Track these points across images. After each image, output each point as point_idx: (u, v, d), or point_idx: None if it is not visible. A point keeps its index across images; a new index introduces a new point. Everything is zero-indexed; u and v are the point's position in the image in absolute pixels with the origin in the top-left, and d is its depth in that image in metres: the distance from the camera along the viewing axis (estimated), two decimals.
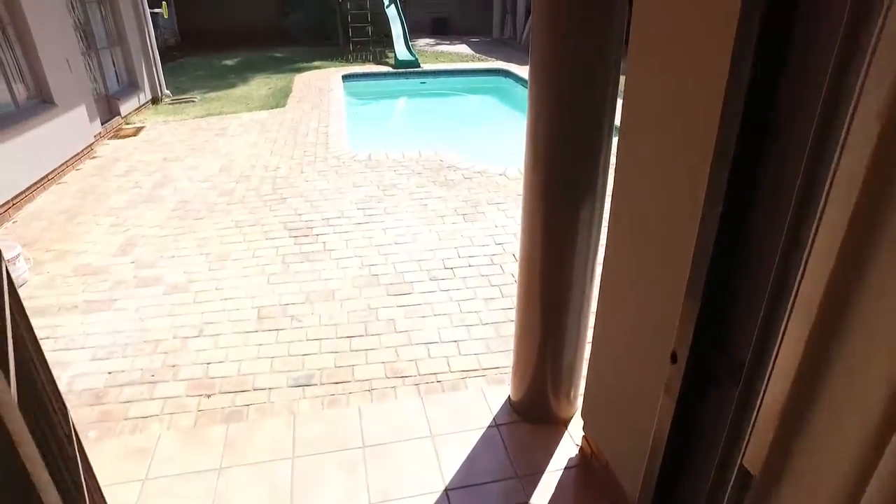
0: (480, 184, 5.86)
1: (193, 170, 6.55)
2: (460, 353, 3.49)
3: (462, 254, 4.56)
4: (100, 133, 7.93)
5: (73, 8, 8.00)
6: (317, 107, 9.42)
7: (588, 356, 2.61)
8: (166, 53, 15.85)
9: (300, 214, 5.21)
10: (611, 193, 2.11)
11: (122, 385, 3.24)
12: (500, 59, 14.94)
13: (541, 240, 2.54)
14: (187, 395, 3.16)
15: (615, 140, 2.11)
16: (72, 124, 6.95)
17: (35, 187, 6.04)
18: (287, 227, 4.98)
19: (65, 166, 6.70)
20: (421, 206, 5.36)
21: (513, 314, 3.85)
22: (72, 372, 3.34)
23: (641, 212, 1.90)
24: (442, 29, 20.94)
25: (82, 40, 8.16)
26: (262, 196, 5.66)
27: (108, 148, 7.68)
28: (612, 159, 2.19)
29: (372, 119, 10.56)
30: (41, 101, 6.58)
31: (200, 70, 13.77)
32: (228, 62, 14.87)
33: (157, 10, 12.46)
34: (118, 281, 4.27)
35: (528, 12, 17.87)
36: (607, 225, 2.17)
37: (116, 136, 8.26)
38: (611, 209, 2.12)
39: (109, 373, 3.34)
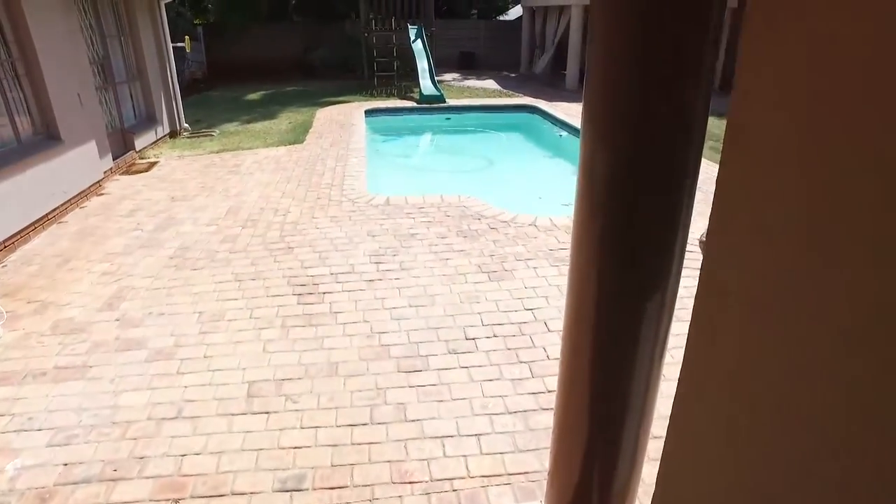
0: (508, 235, 5.32)
1: (200, 211, 6.14)
2: (481, 452, 2.90)
3: (486, 320, 3.99)
4: (111, 168, 7.64)
5: (92, 43, 7.81)
6: (336, 143, 9.05)
7: (651, 477, 1.99)
8: (192, 86, 15.88)
9: (307, 268, 4.71)
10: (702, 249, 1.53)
11: (75, 483, 2.71)
12: (528, 95, 14.59)
13: (593, 310, 1.95)
14: (151, 501, 2.62)
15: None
16: (79, 161, 6.63)
17: (33, 227, 5.68)
18: (291, 283, 4.48)
19: (68, 204, 6.35)
20: (441, 260, 4.82)
21: (545, 400, 3.25)
22: (20, 462, 2.82)
23: (773, 283, 1.31)
24: (469, 63, 20.80)
25: (99, 74, 7.94)
26: (268, 244, 5.19)
27: (117, 184, 7.36)
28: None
29: (393, 156, 10.15)
30: (47, 137, 6.28)
31: (224, 103, 13.65)
32: (252, 96, 14.77)
33: (179, 45, 12.39)
34: (98, 342, 3.79)
35: (557, 47, 17.56)
36: (696, 295, 1.58)
37: (128, 172, 7.96)
38: (703, 274, 1.53)
39: (65, 465, 2.82)
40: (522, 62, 20.10)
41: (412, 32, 15.07)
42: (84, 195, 6.72)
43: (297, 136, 9.72)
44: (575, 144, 10.56)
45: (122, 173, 7.90)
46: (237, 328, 3.93)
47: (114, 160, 7.80)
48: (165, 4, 12.48)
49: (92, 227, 5.88)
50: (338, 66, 17.86)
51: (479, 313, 4.08)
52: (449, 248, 5.05)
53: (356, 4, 16.36)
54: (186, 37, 12.51)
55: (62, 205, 6.23)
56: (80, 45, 7.14)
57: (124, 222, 5.95)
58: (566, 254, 4.96)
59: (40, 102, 6.17)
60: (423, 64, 14.19)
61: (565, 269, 4.68)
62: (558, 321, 3.95)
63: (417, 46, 14.72)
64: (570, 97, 14.39)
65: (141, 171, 7.99)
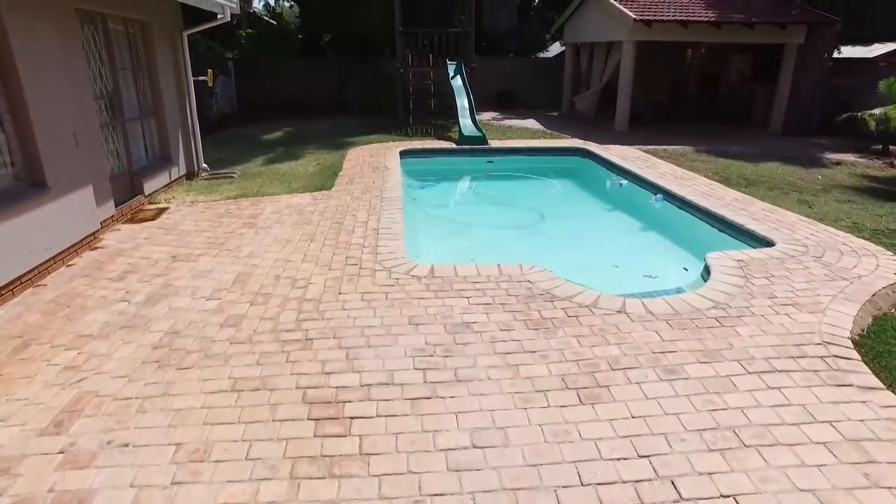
0: (594, 328, 4.04)
1: (202, 277, 5.01)
2: None
3: (586, 475, 2.70)
4: (112, 216, 6.63)
5: (99, 76, 6.91)
6: (368, 190, 7.95)
7: None
8: (220, 122, 15.15)
9: (329, 374, 3.49)
10: None
11: None
12: (575, 136, 13.46)
13: None
14: None
15: None
16: (68, 211, 5.60)
17: (2, 292, 4.61)
18: (307, 398, 3.26)
19: (52, 262, 5.30)
20: (510, 367, 3.56)
21: None
22: None
23: None
24: (507, 102, 19.89)
25: (106, 110, 7.02)
26: (281, 332, 4.00)
27: (116, 235, 6.32)
28: None
29: (432, 207, 8.99)
30: (30, 185, 5.28)
31: (250, 141, 12.79)
32: (280, 133, 13.93)
33: (201, 78, 11.62)
34: (19, 500, 2.60)
35: (605, 86, 16.46)
36: None
37: (132, 220, 6.95)
38: None
39: None
40: (564, 101, 19.09)
41: (451, 69, 14.17)
42: (74, 249, 5.67)
43: (325, 180, 8.66)
44: (640, 196, 9.38)
45: (126, 221, 6.88)
46: (225, 476, 2.71)
47: (117, 206, 6.80)
48: (196, 39, 11.85)
49: (72, 293, 4.78)
50: (371, 103, 17.04)
51: (573, 462, 2.79)
52: (518, 346, 3.79)
53: (392, 40, 15.62)
54: (210, 70, 11.73)
55: (44, 263, 5.18)
56: (82, 77, 6.21)
57: (111, 288, 4.84)
58: (677, 359, 3.66)
59: (23, 142, 5.18)
60: (462, 102, 13.20)
61: (682, 386, 3.37)
62: (690, 481, 2.65)
63: (457, 83, 13.78)
64: (621, 139, 13.22)
65: (147, 219, 6.97)
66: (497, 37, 20.34)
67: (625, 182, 9.74)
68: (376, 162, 9.95)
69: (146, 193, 7.66)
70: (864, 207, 8.09)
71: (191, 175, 9.21)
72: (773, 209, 7.39)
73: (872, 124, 12.51)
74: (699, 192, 8.24)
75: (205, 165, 9.55)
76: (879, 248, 5.97)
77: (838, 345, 3.91)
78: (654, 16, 13.65)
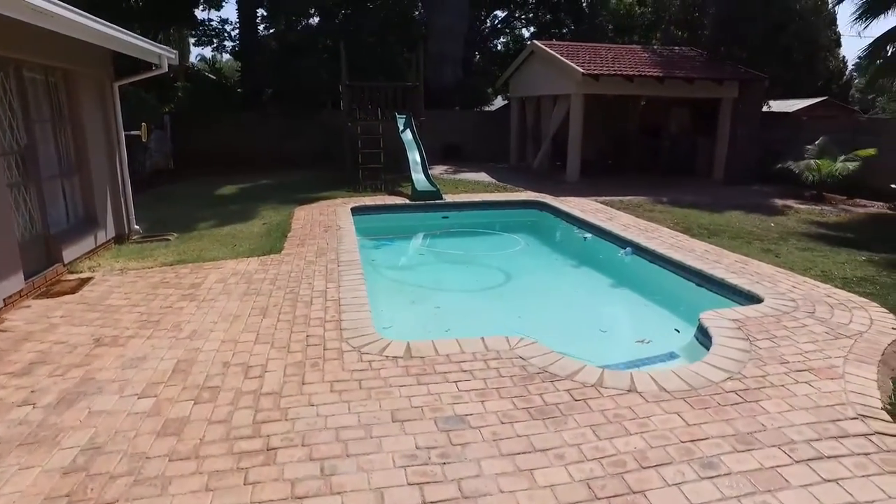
0: (605, 412, 3.49)
1: (133, 367, 4.16)
2: None
3: None
4: (20, 291, 5.64)
5: (11, 128, 6.05)
6: (322, 253, 7.26)
7: None
8: (155, 179, 14.15)
9: (301, 499, 2.74)
10: None
11: None
12: (529, 189, 13.28)
13: None
14: None
15: None
16: None
17: None
18: None
19: None
20: (523, 473, 2.93)
21: None
22: None
23: None
24: (455, 155, 19.76)
25: (16, 167, 6.12)
26: (235, 441, 3.22)
27: (25, 314, 5.34)
28: None
29: (390, 269, 8.35)
30: None
31: (188, 199, 11.88)
32: (222, 190, 13.09)
33: (134, 133, 10.76)
34: None
35: (553, 137, 16.56)
36: None
37: (48, 293, 5.97)
38: None
39: None
40: (512, 154, 19.15)
41: (400, 122, 13.86)
42: None
43: (274, 242, 7.92)
44: (607, 250, 9.09)
45: (39, 295, 5.90)
46: None
47: (27, 279, 5.82)
48: (128, 91, 11.01)
49: None
50: (319, 157, 16.48)
51: None
52: (527, 443, 3.17)
53: (336, 93, 15.26)
54: (144, 124, 10.89)
55: None
56: None
57: (11, 387, 3.91)
58: (711, 449, 3.14)
59: None
60: (414, 156, 12.84)
61: (726, 484, 2.84)
62: None
63: (407, 137, 13.44)
64: (574, 191, 13.13)
65: (65, 293, 6.00)
66: (442, 91, 20.40)
67: (589, 235, 9.47)
68: (328, 220, 9.30)
69: (65, 261, 6.68)
70: (825, 255, 8.08)
71: (120, 238, 8.26)
72: (746, 260, 7.21)
73: (808, 174, 12.98)
74: (667, 244, 8.02)
75: (137, 227, 8.62)
76: (863, 299, 5.81)
77: (876, 418, 3.53)
78: (601, 70, 13.91)
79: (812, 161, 12.97)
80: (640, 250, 8.07)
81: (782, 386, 3.88)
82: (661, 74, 14.28)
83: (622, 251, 8.37)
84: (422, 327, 5.79)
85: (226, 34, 22.54)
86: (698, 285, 6.69)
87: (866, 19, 12.02)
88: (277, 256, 7.15)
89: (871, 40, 12.25)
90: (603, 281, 7.87)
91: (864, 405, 3.69)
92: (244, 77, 19.83)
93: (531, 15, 25.55)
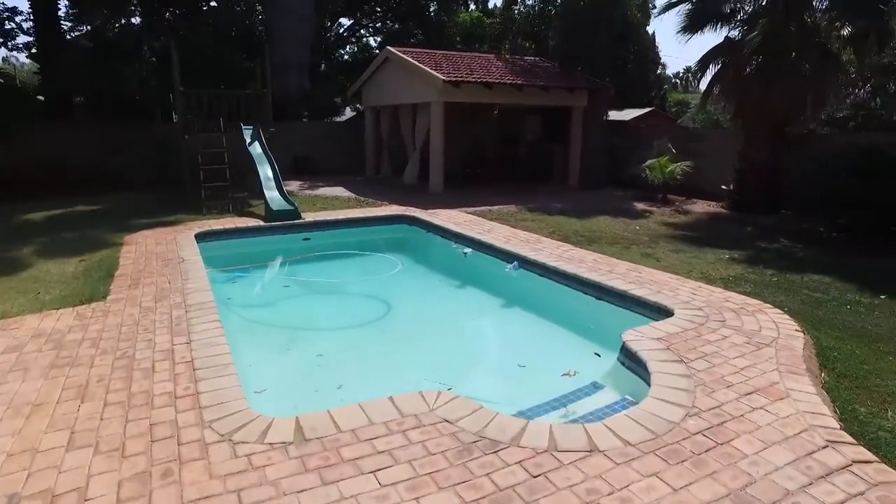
0: (573, 487, 2.74)
1: None
2: None
3: None
4: None
5: None
6: (165, 295, 5.76)
7: None
8: None
9: None
10: None
11: None
12: (394, 203, 12.46)
13: None
14: None
15: None
16: None
17: None
18: None
19: None
20: None
21: None
22: None
23: None
24: (307, 169, 18.31)
25: None
26: None
27: None
28: None
29: (257, 308, 6.98)
30: None
31: None
32: (24, 217, 10.55)
33: None
34: None
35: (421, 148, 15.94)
36: None
37: None
38: None
39: None
40: (368, 166, 18.22)
41: (247, 134, 12.30)
42: None
43: (96, 285, 6.18)
44: (491, 265, 8.51)
45: None
46: None
47: None
48: None
49: None
50: (152, 176, 14.14)
51: None
52: None
53: (167, 102, 13.26)
54: None
55: None
56: None
57: None
58: None
59: None
60: (266, 172, 11.39)
61: None
62: None
63: (256, 150, 11.94)
64: (441, 202, 12.57)
65: None
66: (289, 100, 18.89)
67: (469, 250, 8.87)
68: (167, 252, 7.64)
69: None
70: (695, 256, 8.29)
71: None
72: (637, 268, 7.04)
73: (652, 176, 13.76)
74: (555, 255, 7.66)
75: None
76: (755, 301, 5.82)
77: (842, 442, 3.24)
78: (461, 77, 13.58)
79: (656, 161, 13.78)
80: (528, 264, 7.61)
81: (742, 416, 3.44)
82: (522, 82, 14.35)
83: (509, 266, 7.86)
84: (306, 386, 4.65)
85: (15, 27, 18.75)
86: (598, 298, 6.33)
87: (690, 33, 12.98)
88: (101, 305, 5.50)
89: (680, 57, 13.23)
90: (496, 302, 7.26)
91: (825, 427, 3.38)
92: (45, 81, 16.62)
93: (378, 24, 24.90)
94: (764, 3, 12.09)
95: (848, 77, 13.36)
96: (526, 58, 17.92)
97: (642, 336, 4.64)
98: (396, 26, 23.70)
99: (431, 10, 22.77)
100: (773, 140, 12.04)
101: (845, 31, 11.74)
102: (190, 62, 14.70)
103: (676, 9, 12.90)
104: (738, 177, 12.80)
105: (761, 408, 3.55)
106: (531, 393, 4.35)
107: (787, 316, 5.35)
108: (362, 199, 13.20)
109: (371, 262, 9.10)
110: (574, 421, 3.89)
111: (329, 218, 10.61)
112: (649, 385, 3.97)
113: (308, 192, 14.51)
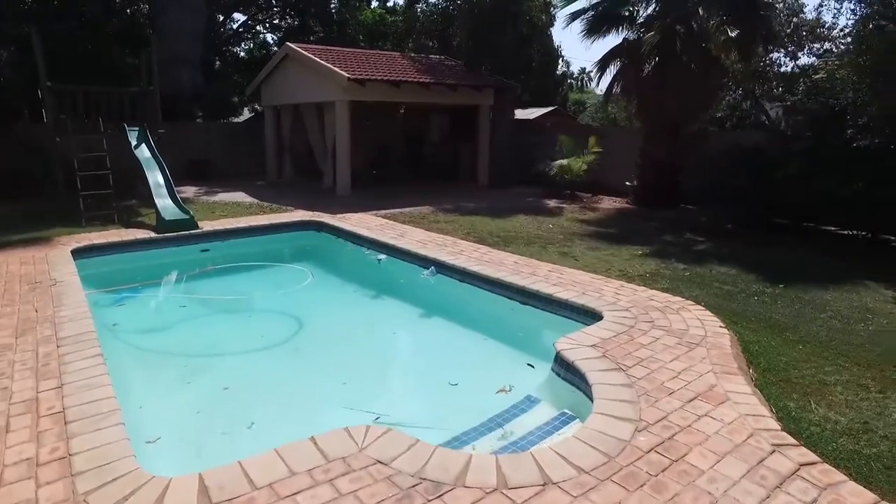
0: None
1: None
2: None
3: None
4: None
5: None
6: (30, 328, 4.86)
7: None
8: None
9: None
10: None
11: None
12: (299, 207, 11.76)
13: None
14: None
15: None
16: None
17: None
18: None
19: None
20: None
21: None
22: None
23: None
24: (202, 173, 17.02)
25: None
26: None
27: None
28: None
29: (149, 335, 6.11)
30: None
31: None
32: None
33: None
34: None
35: (323, 150, 15.23)
36: None
37: None
38: None
39: None
40: (269, 169, 17.21)
41: (132, 136, 11.10)
42: None
43: None
44: (407, 271, 8.07)
45: None
46: None
47: None
48: None
49: None
50: (17, 184, 12.40)
51: None
52: None
53: (34, 98, 11.73)
54: None
55: None
56: None
57: None
58: None
59: None
60: (156, 177, 10.30)
61: None
62: None
63: (144, 154, 10.79)
64: (349, 206, 12.01)
65: None
66: (180, 99, 17.45)
67: (383, 257, 8.44)
68: (35, 273, 6.58)
69: None
70: (611, 253, 8.38)
71: None
72: (559, 269, 6.94)
73: (560, 173, 13.98)
74: (474, 259, 7.42)
75: None
76: (676, 298, 5.87)
77: (786, 444, 3.20)
78: (366, 75, 13.07)
79: (564, 158, 14.01)
80: (447, 269, 7.30)
81: (690, 427, 3.30)
82: (430, 81, 14.05)
83: (426, 272, 7.52)
84: (211, 427, 4.01)
85: None
86: (523, 303, 6.14)
87: (592, 36, 13.30)
88: None
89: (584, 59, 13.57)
90: (417, 312, 6.88)
91: (768, 430, 3.32)
92: None
93: (276, 20, 23.67)
94: (658, 8, 12.58)
95: (734, 78, 14.28)
96: (431, 56, 17.68)
97: (576, 343, 4.45)
98: (295, 23, 22.64)
99: (332, 5, 21.96)
100: (670, 138, 12.55)
101: (731, 34, 12.46)
102: (62, 55, 13.10)
103: (581, 17, 13.15)
104: (640, 173, 13.27)
105: (706, 415, 3.44)
106: (465, 413, 4.02)
107: (708, 312, 5.40)
108: (265, 204, 12.39)
109: (279, 274, 8.41)
110: (515, 443, 3.60)
111: (230, 226, 9.77)
112: (588, 397, 3.78)
113: (206, 198, 13.45)
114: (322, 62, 13.24)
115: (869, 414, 3.78)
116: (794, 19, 15.34)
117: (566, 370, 4.20)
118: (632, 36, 12.98)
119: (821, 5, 19.70)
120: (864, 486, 2.88)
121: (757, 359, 4.51)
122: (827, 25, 15.79)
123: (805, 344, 4.93)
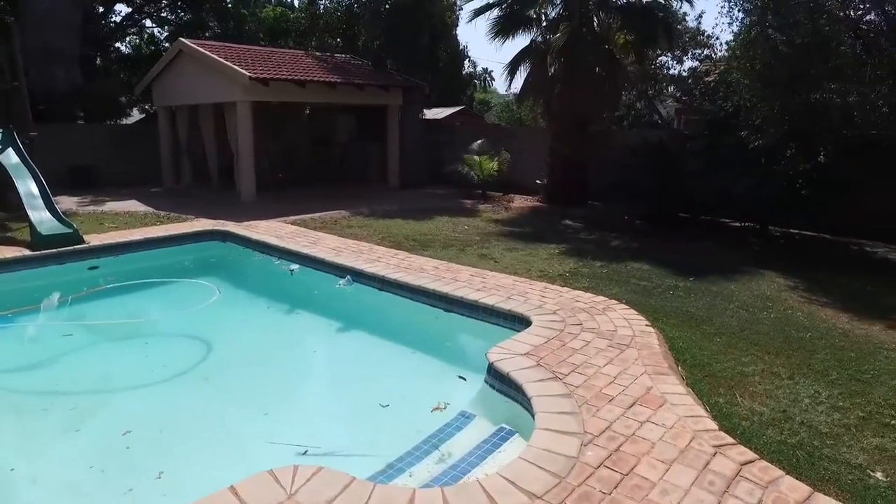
0: None
1: None
2: None
3: None
4: None
5: None
6: None
7: None
8: None
9: None
10: None
11: None
12: (201, 216, 10.94)
13: None
14: None
15: None
16: None
17: None
18: None
19: None
20: None
21: None
22: None
23: None
24: (87, 181, 15.48)
25: None
26: None
27: None
28: None
29: (23, 374, 5.29)
30: None
31: None
32: None
33: None
34: None
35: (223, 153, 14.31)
36: None
37: None
38: None
39: None
40: (165, 175, 15.96)
41: None
42: None
43: None
44: (321, 282, 7.59)
45: None
46: None
47: None
48: None
49: None
50: None
51: None
52: None
53: None
54: None
55: None
56: None
57: None
58: None
59: None
60: (29, 187, 9.12)
61: None
62: None
63: (11, 160, 9.53)
64: (256, 212, 11.34)
65: None
66: (56, 98, 15.74)
67: (296, 267, 7.96)
68: None
69: None
70: (529, 253, 8.42)
71: None
72: (481, 272, 6.83)
73: (473, 173, 14.00)
74: (392, 265, 7.15)
75: None
76: (600, 297, 5.92)
77: (725, 444, 3.23)
78: (269, 74, 12.38)
79: (476, 157, 14.03)
80: (365, 278, 6.98)
81: (635, 436, 3.24)
82: (337, 80, 13.56)
83: (341, 281, 7.16)
84: (110, 484, 3.44)
85: None
86: (447, 311, 5.95)
87: (502, 37, 13.41)
88: None
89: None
90: (337, 326, 6.48)
91: (707, 430, 3.34)
92: None
93: (164, 13, 21.97)
94: (563, 12, 12.88)
95: (632, 79, 14.92)
96: (337, 55, 17.14)
97: (509, 353, 4.31)
98: (188, 16, 21.12)
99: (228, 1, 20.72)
100: (577, 136, 12.89)
101: (628, 38, 12.99)
102: None
103: (485, 14, 13.20)
104: (549, 171, 13.54)
105: (648, 420, 3.40)
106: (398, 436, 3.77)
107: (633, 311, 5.47)
108: (163, 213, 11.43)
109: (181, 292, 7.67)
110: (455, 466, 3.40)
111: (122, 240, 8.85)
112: (526, 408, 3.65)
113: (92, 208, 12.22)
114: (221, 60, 12.40)
115: (786, 402, 3.93)
116: (679, 26, 16.34)
117: (501, 382, 4.05)
118: (539, 38, 13.22)
119: (700, 15, 21.25)
120: (797, 479, 2.94)
121: (683, 355, 4.60)
122: (706, 34, 17.11)
123: (721, 335, 5.11)
